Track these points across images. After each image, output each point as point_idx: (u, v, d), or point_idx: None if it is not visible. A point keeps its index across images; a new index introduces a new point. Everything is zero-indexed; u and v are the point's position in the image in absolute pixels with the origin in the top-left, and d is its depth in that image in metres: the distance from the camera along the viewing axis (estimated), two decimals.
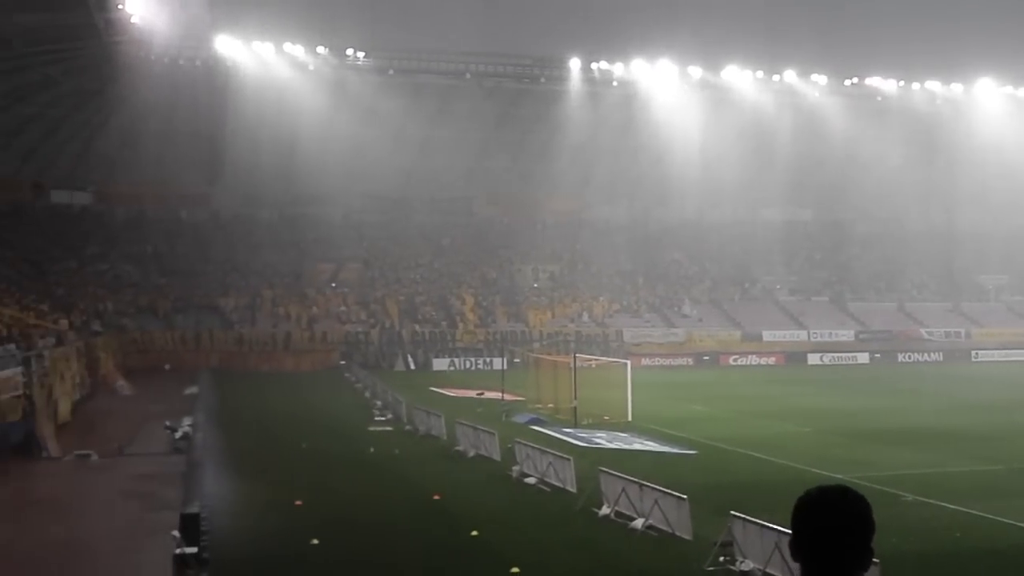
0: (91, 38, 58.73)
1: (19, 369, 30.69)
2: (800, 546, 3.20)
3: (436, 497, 23.27)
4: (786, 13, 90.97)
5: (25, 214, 76.19)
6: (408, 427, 35.37)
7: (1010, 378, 57.01)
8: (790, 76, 79.06)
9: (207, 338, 66.09)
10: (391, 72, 72.87)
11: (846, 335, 77.73)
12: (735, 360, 72.02)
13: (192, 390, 45.15)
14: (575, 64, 75.56)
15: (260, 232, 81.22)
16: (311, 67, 71.07)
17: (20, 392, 30.03)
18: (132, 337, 64.35)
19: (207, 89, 67.60)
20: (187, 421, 31.97)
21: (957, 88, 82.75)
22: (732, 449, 30.83)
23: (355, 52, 71.63)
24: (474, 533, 19.60)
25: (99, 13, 54.32)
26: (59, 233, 76.25)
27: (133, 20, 58.83)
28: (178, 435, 30.66)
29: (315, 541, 18.82)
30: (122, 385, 50.02)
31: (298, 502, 22.58)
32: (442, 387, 51.81)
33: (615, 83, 77.06)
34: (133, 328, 65.59)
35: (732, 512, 17.06)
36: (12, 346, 33.44)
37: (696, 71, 76.68)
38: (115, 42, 59.57)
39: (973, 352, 75.73)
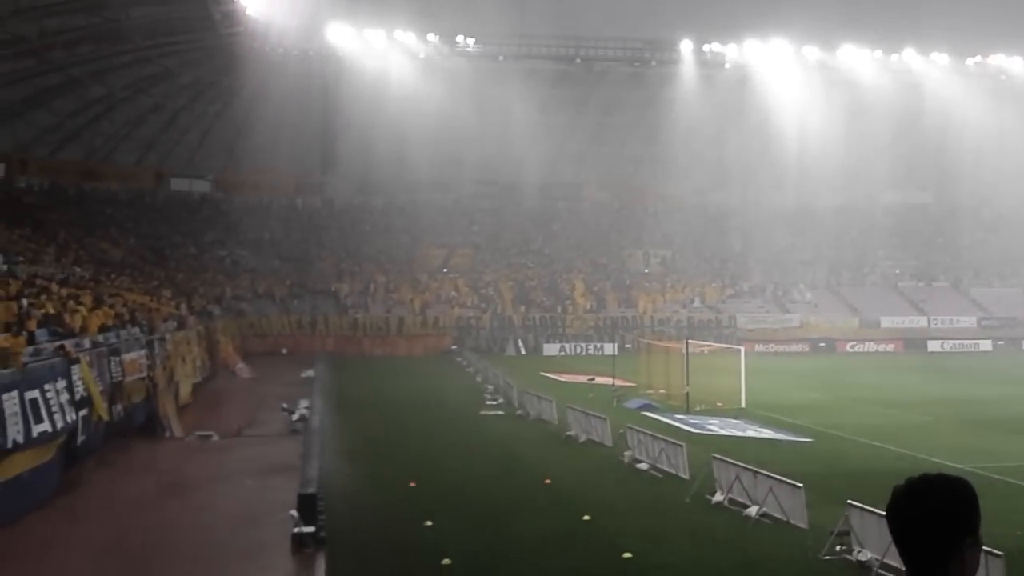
0: (207, 30, 60.23)
1: (143, 352, 31.59)
2: (892, 536, 3.14)
3: (547, 482, 23.21)
4: None
5: (147, 202, 78.73)
6: (519, 412, 35.40)
7: None
8: (909, 55, 76.62)
9: (322, 323, 67.34)
10: (501, 58, 73.00)
11: (968, 321, 75.36)
12: (852, 347, 70.62)
13: (308, 373, 45.98)
14: (687, 46, 74.51)
15: (373, 218, 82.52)
16: (422, 54, 71.51)
17: (144, 374, 30.92)
18: (250, 321, 65.89)
19: (320, 78, 68.81)
20: (303, 403, 32.52)
21: None
22: (848, 437, 30.14)
23: (465, 39, 71.87)
24: (586, 518, 19.48)
25: (215, 6, 55.62)
26: (179, 220, 78.57)
27: (248, 12, 60.06)
28: (295, 417, 31.21)
29: (429, 523, 18.92)
30: (241, 368, 51.20)
31: (412, 484, 22.76)
32: (553, 372, 51.77)
33: (727, 65, 75.84)
34: (251, 312, 67.15)
35: (849, 501, 16.66)
36: (136, 330, 34.45)
37: (811, 51, 74.90)
38: (231, 34, 60.94)
39: None
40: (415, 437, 30.44)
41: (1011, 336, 72.65)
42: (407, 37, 70.72)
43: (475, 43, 72.32)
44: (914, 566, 3.10)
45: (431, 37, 71.22)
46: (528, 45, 74.00)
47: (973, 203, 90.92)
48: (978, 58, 78.38)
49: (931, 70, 77.34)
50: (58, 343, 24.58)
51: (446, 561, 16.44)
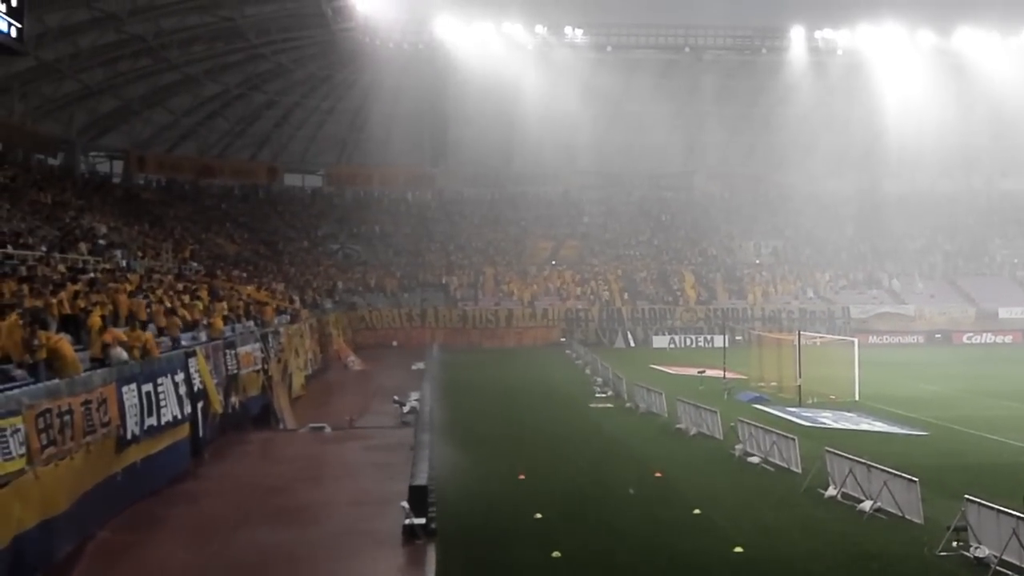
0: (319, 27, 61.30)
1: (258, 345, 32.30)
2: None
3: (658, 475, 23.10)
4: None
5: (260, 197, 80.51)
6: (629, 404, 35.28)
7: None
8: None
9: (432, 315, 67.99)
10: (609, 49, 72.65)
11: None
12: (969, 338, 69.01)
13: (419, 365, 46.50)
14: (797, 33, 73.14)
15: (482, 211, 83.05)
16: (529, 46, 71.58)
17: (259, 367, 31.62)
18: (361, 314, 66.87)
19: (429, 71, 69.31)
20: (414, 396, 32.87)
21: None
22: (965, 430, 29.45)
23: (573, 29, 71.75)
24: (697, 511, 19.36)
25: (327, 2, 56.62)
26: (292, 215, 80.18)
27: (358, 7, 60.90)
28: (406, 409, 31.53)
29: (538, 515, 18.97)
30: (353, 360, 51.98)
31: (521, 476, 22.86)
32: (662, 364, 51.42)
33: (840, 51, 74.14)
34: (362, 305, 68.13)
35: (966, 496, 16.31)
36: (251, 323, 35.26)
37: (926, 35, 72.77)
38: (342, 29, 61.90)
39: None
40: (524, 429, 30.58)
41: None
42: (515, 29, 70.83)
43: (583, 34, 72.10)
44: None
45: (539, 28, 71.21)
46: (636, 35, 73.43)
47: None
48: None
49: None
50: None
51: (556, 553, 16.50)
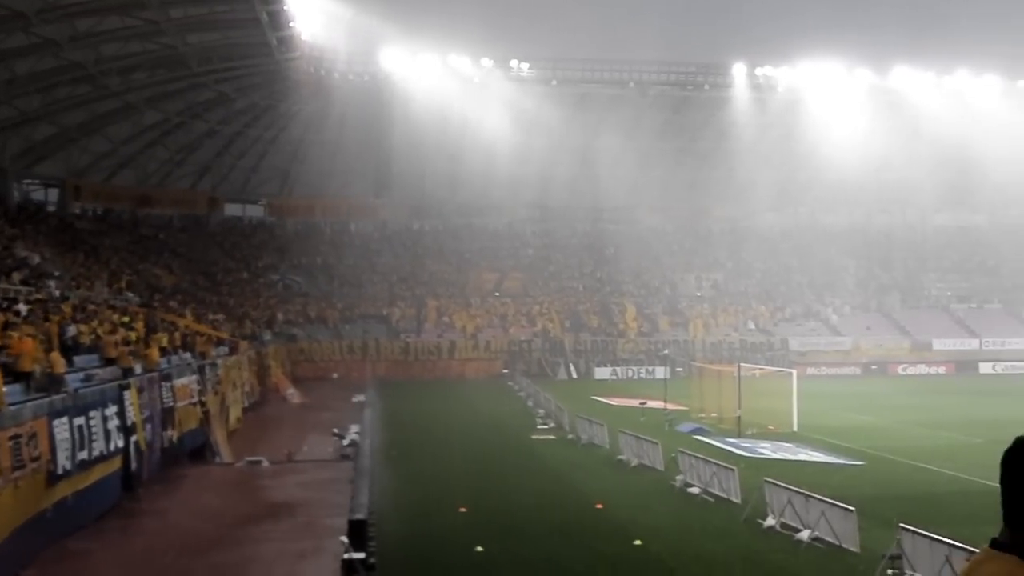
0: (263, 56, 60.88)
1: (195, 377, 31.80)
2: (1004, 484, 2.90)
3: (599, 506, 23.14)
4: (957, 13, 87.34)
5: (200, 227, 79.52)
6: (571, 436, 35.25)
7: None
8: (962, 76, 75.75)
9: (374, 347, 67.49)
10: (554, 82, 73.11)
11: (1020, 344, 74.18)
12: (904, 369, 70.42)
13: (359, 398, 46.05)
14: (739, 70, 74.23)
15: (426, 242, 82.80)
16: (475, 79, 71.80)
17: (196, 400, 31.10)
18: (301, 346, 66.21)
19: (375, 102, 69.14)
20: (354, 428, 32.51)
21: None
22: (901, 460, 29.96)
23: (519, 63, 72.11)
24: (637, 542, 19.44)
25: (272, 32, 56.19)
26: (232, 245, 79.28)
27: (304, 37, 60.68)
28: (346, 442, 31.18)
29: (479, 548, 18.88)
30: (292, 393, 51.42)
31: (463, 509, 22.69)
32: (604, 396, 51.54)
33: (780, 88, 75.38)
34: (302, 337, 67.48)
35: (901, 524, 16.52)
36: (188, 355, 34.72)
37: (863, 73, 74.36)
38: (287, 59, 61.55)
39: None
40: (466, 462, 30.40)
41: None
42: (461, 61, 71.05)
43: (529, 68, 72.50)
44: (1017, 521, 2.84)
45: (485, 61, 71.48)
46: (581, 70, 74.05)
47: None
48: None
49: (983, 92, 76.34)
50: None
51: None
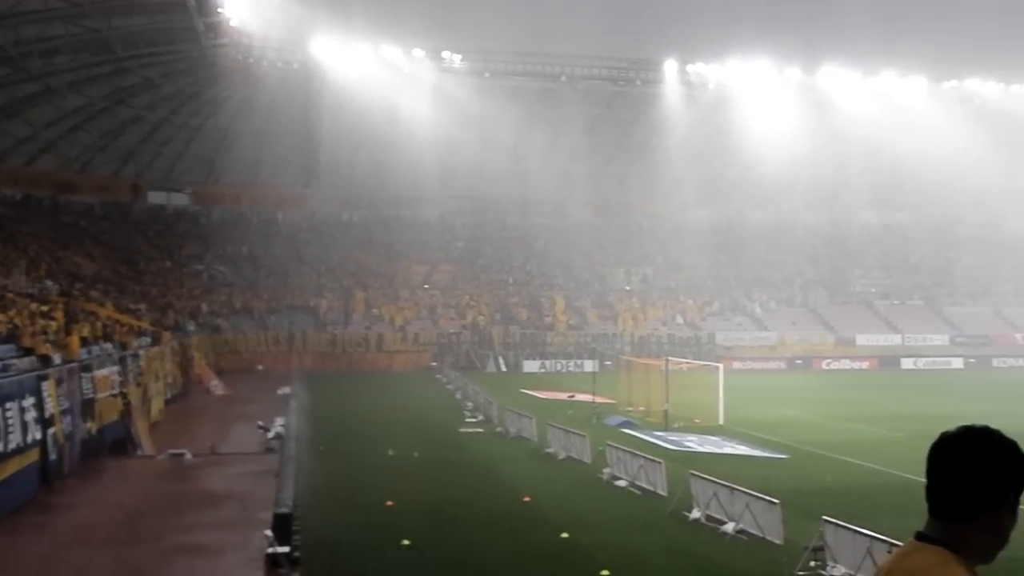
0: (190, 42, 59.78)
1: (116, 368, 31.11)
2: (929, 477, 3.03)
3: (526, 499, 23.10)
4: (884, 15, 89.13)
5: (123, 215, 77.99)
6: (499, 429, 35.20)
7: None
8: (888, 77, 77.25)
9: (300, 339, 66.78)
10: (486, 75, 72.90)
11: (941, 340, 76.41)
12: (827, 364, 71.55)
13: (285, 390, 45.44)
14: (670, 66, 74.79)
15: (355, 233, 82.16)
16: (407, 69, 71.34)
17: (117, 391, 30.43)
18: (226, 337, 65.29)
19: (304, 91, 68.38)
20: (280, 421, 32.06)
21: None
22: (824, 453, 30.40)
23: (451, 55, 71.80)
24: (564, 535, 19.44)
25: (199, 17, 55.18)
26: (156, 234, 77.94)
27: (232, 23, 59.72)
28: (271, 435, 30.71)
29: (406, 542, 18.74)
30: (215, 385, 50.67)
31: (389, 502, 22.51)
32: (533, 389, 51.53)
33: (710, 85, 76.10)
34: (227, 328, 66.54)
35: (824, 517, 16.76)
36: (109, 345, 33.97)
37: (793, 72, 75.45)
38: (215, 45, 60.54)
39: None
40: (393, 455, 30.08)
41: (982, 354, 73.71)
42: (392, 52, 70.54)
43: (461, 59, 72.22)
44: (944, 512, 2.93)
45: (417, 52, 71.05)
46: (513, 62, 73.95)
47: (947, 223, 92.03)
48: (954, 82, 79.33)
49: (909, 93, 77.93)
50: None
51: None
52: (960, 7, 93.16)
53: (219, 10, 56.15)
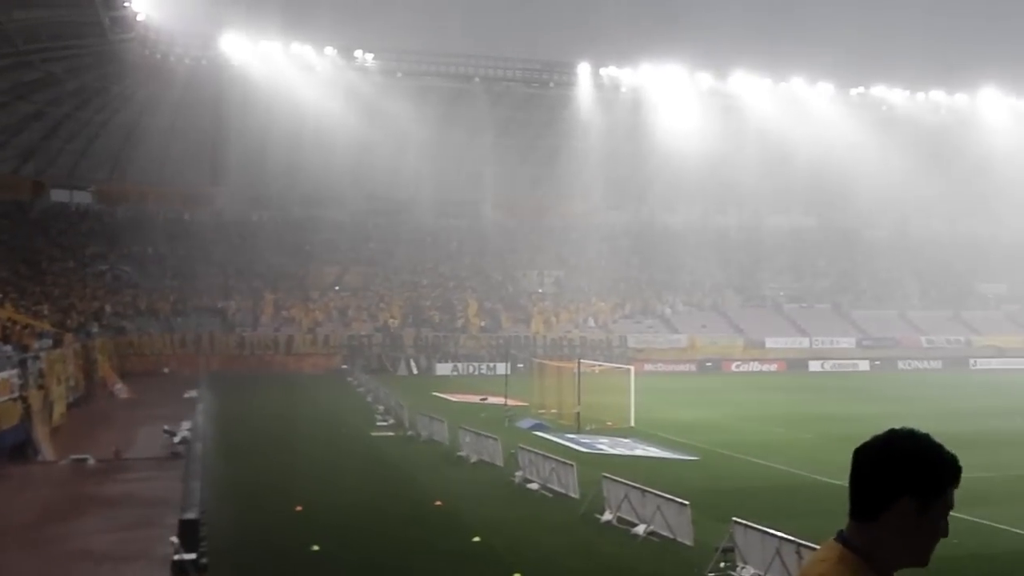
0: (95, 36, 58.48)
1: (15, 371, 30.19)
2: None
3: (438, 503, 23.00)
4: (794, 22, 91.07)
5: (23, 213, 75.79)
6: (410, 432, 34.93)
7: (1007, 386, 57.63)
8: (797, 84, 78.93)
9: (208, 341, 65.55)
10: (399, 75, 72.63)
11: (847, 342, 77.99)
12: (737, 366, 72.31)
13: (192, 394, 44.59)
14: (584, 69, 75.41)
15: (264, 234, 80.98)
16: (318, 68, 70.69)
17: (16, 395, 29.52)
18: (130, 339, 63.86)
19: (213, 88, 67.29)
20: (186, 425, 31.47)
21: (962, 98, 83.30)
22: (734, 455, 30.72)
23: (363, 54, 71.31)
24: (476, 539, 19.38)
25: (105, 11, 54.03)
26: (58, 233, 75.92)
27: (139, 18, 58.55)
28: (177, 439, 30.14)
29: (316, 547, 18.48)
30: (120, 388, 49.51)
31: (299, 508, 22.17)
32: (445, 392, 51.36)
33: (623, 88, 76.83)
34: (132, 330, 65.10)
35: (734, 518, 16.90)
36: (8, 348, 32.97)
37: (704, 77, 76.59)
38: (120, 40, 59.27)
39: (972, 360, 76.30)
40: (303, 459, 29.73)
41: (887, 356, 75.28)
42: (304, 50, 69.77)
43: (373, 58, 71.78)
44: (854, 512, 2.99)
45: (328, 51, 70.39)
46: (427, 63, 73.83)
47: (854, 227, 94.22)
48: (861, 88, 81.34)
49: (817, 99, 79.68)
50: None
51: None
52: (866, 16, 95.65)
53: (125, 4, 55.01)
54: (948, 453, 2.95)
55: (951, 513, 2.94)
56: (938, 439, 2.99)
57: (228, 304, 70.67)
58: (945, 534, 2.93)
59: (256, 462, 29.17)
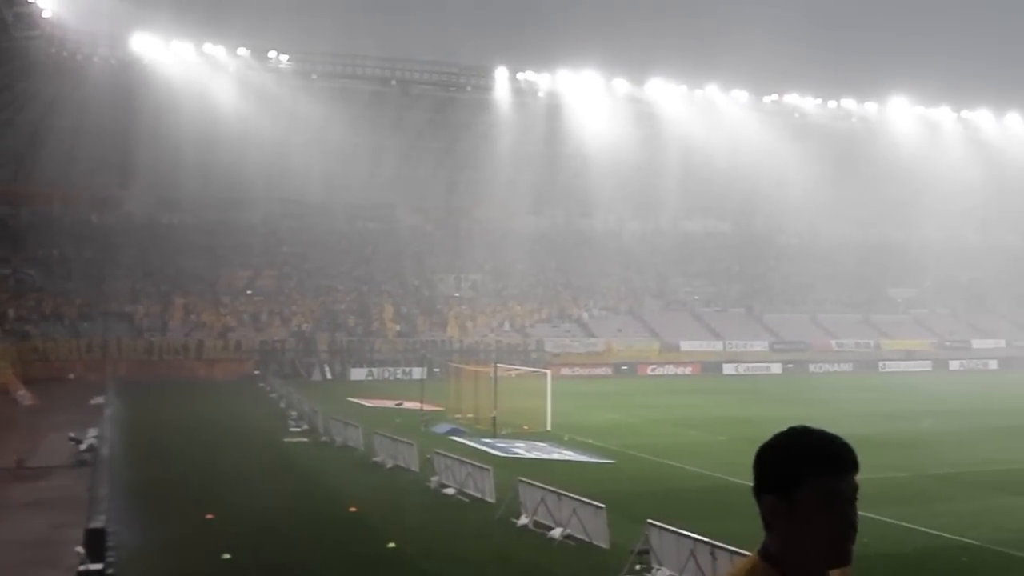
0: None
1: None
2: None
3: (352, 509, 22.78)
4: (710, 30, 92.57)
5: None
6: (325, 438, 34.56)
7: (914, 388, 59.34)
8: (712, 91, 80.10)
9: (115, 347, 64.13)
10: (314, 76, 71.97)
11: (760, 346, 79.18)
12: (653, 370, 72.89)
13: (98, 400, 43.66)
14: (502, 73, 75.60)
15: (174, 237, 79.51)
16: (231, 68, 69.75)
17: None
18: (34, 345, 62.24)
19: (122, 88, 65.88)
20: (92, 432, 30.78)
21: (872, 107, 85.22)
22: (649, 458, 30.96)
23: (277, 55, 70.54)
24: (391, 545, 19.26)
25: (7, 8, 52.57)
26: None
27: (45, 15, 57.13)
28: (83, 447, 29.49)
29: (227, 556, 18.19)
30: (23, 395, 48.20)
31: (209, 515, 21.78)
32: (360, 397, 51.05)
33: (541, 93, 77.22)
34: (36, 335, 63.46)
35: (649, 520, 16.98)
36: None
37: (621, 84, 77.31)
38: (25, 37, 57.71)
39: (881, 363, 78.15)
40: (214, 467, 29.23)
41: (799, 359, 76.71)
42: (217, 50, 68.77)
43: (288, 60, 71.01)
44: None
45: (241, 51, 69.46)
46: (343, 64, 73.25)
47: (767, 233, 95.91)
48: (775, 96, 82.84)
49: (732, 106, 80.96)
50: None
51: None
52: (780, 26, 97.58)
53: (30, 1, 53.61)
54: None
55: (864, 512, 2.85)
56: (851, 439, 2.92)
57: (136, 309, 69.27)
58: (851, 526, 2.81)
59: (165, 470, 28.60)
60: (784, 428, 2.92)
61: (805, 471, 2.79)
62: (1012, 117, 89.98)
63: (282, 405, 46.31)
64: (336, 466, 29.49)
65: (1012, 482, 26.51)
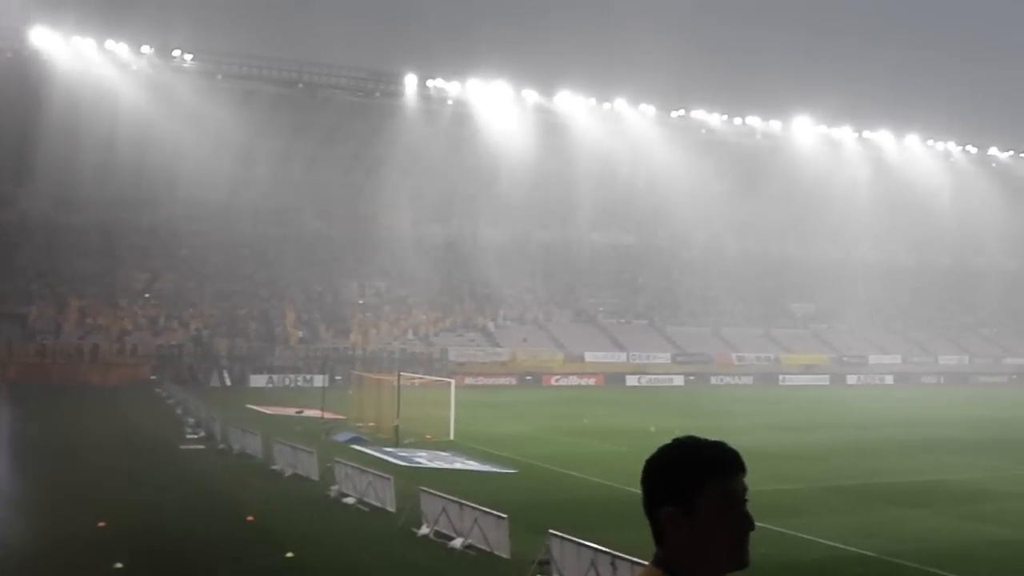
0: None
1: None
2: None
3: (250, 519, 22.37)
4: (619, 45, 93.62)
5: None
6: (222, 446, 33.91)
7: (812, 401, 60.72)
8: (620, 104, 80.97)
9: (5, 349, 62.18)
10: (219, 77, 70.90)
11: (663, 358, 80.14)
12: (557, 380, 73.26)
13: None
14: (411, 80, 75.38)
15: (71, 237, 77.35)
16: (134, 67, 68.32)
17: None
18: None
19: (19, 83, 63.96)
20: None
21: (776, 124, 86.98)
22: (551, 468, 31.02)
23: (181, 54, 69.30)
24: (289, 555, 18.92)
25: None
26: None
27: None
28: None
29: (119, 565, 17.65)
30: None
31: (102, 523, 21.15)
32: (259, 404, 50.31)
33: (450, 101, 77.16)
34: None
35: (550, 530, 16.93)
36: None
37: (531, 94, 77.75)
38: None
39: (781, 376, 79.69)
40: (107, 473, 28.45)
41: (701, 372, 78.10)
42: (119, 48, 67.25)
43: (192, 59, 69.78)
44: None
45: (145, 49, 68.05)
46: (249, 65, 72.31)
47: (671, 246, 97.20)
48: (681, 111, 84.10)
49: (639, 120, 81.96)
50: None
51: None
52: (688, 42, 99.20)
53: None
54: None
55: (761, 523, 2.87)
56: (750, 451, 2.94)
57: (29, 310, 67.40)
58: (750, 525, 2.89)
59: (56, 476, 27.74)
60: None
61: (705, 477, 2.85)
62: (911, 139, 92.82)
63: (179, 411, 45.37)
64: (234, 474, 28.92)
65: (907, 494, 27.14)
